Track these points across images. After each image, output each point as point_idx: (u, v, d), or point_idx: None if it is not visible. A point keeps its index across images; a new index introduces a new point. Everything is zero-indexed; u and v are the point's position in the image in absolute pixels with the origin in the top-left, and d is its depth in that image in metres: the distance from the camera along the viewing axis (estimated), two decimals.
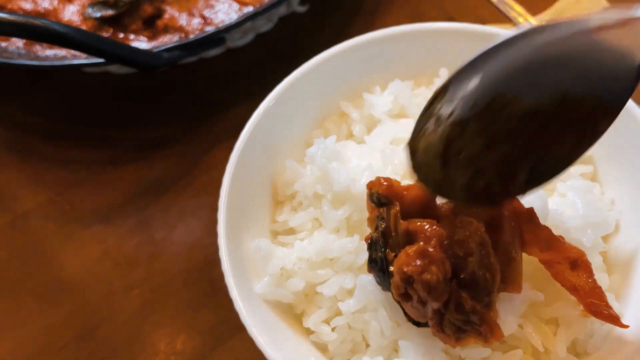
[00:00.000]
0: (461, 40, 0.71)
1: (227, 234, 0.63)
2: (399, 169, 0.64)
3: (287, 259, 0.64)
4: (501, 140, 0.50)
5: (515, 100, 0.49)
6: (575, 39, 0.46)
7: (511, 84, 0.48)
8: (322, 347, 0.64)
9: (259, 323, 0.59)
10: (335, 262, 0.63)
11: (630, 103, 0.65)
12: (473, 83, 0.48)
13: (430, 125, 0.51)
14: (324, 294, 0.63)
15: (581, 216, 0.63)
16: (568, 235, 0.61)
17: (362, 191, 0.62)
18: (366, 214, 0.63)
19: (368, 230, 0.63)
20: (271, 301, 0.64)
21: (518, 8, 0.90)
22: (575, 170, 0.69)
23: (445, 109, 0.50)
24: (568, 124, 0.50)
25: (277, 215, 0.70)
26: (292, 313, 0.66)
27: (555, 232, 0.58)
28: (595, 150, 0.69)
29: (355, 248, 0.63)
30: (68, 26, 0.70)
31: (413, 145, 0.52)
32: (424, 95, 0.73)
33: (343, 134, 0.74)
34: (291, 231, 0.69)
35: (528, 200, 0.58)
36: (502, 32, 0.69)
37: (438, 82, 0.73)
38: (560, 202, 0.65)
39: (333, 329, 0.63)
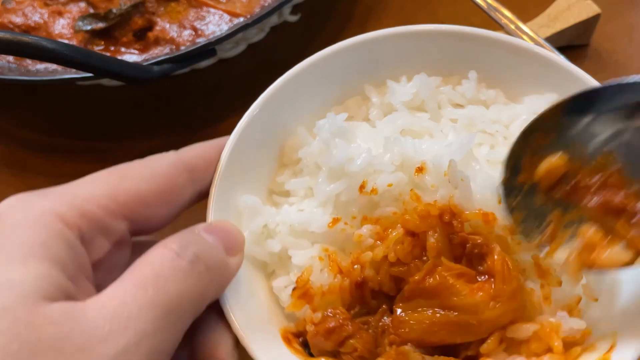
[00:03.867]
0: (491, 46, 0.72)
1: (220, 186, 0.63)
2: (396, 158, 0.64)
3: (271, 219, 0.65)
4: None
5: None
6: None
7: None
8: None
9: None
10: (314, 235, 0.64)
11: None
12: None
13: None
14: (292, 261, 0.63)
15: None
16: None
17: (356, 171, 0.63)
18: (355, 197, 0.63)
19: (353, 212, 0.63)
20: (247, 256, 0.64)
21: (509, 14, 0.89)
22: None
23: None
24: None
25: (278, 176, 0.71)
26: (265, 270, 0.67)
27: None
28: None
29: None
30: (57, 42, 0.69)
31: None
32: (448, 95, 0.73)
33: (361, 115, 0.74)
34: (286, 193, 0.70)
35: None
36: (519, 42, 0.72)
37: (466, 84, 0.73)
38: None
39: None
